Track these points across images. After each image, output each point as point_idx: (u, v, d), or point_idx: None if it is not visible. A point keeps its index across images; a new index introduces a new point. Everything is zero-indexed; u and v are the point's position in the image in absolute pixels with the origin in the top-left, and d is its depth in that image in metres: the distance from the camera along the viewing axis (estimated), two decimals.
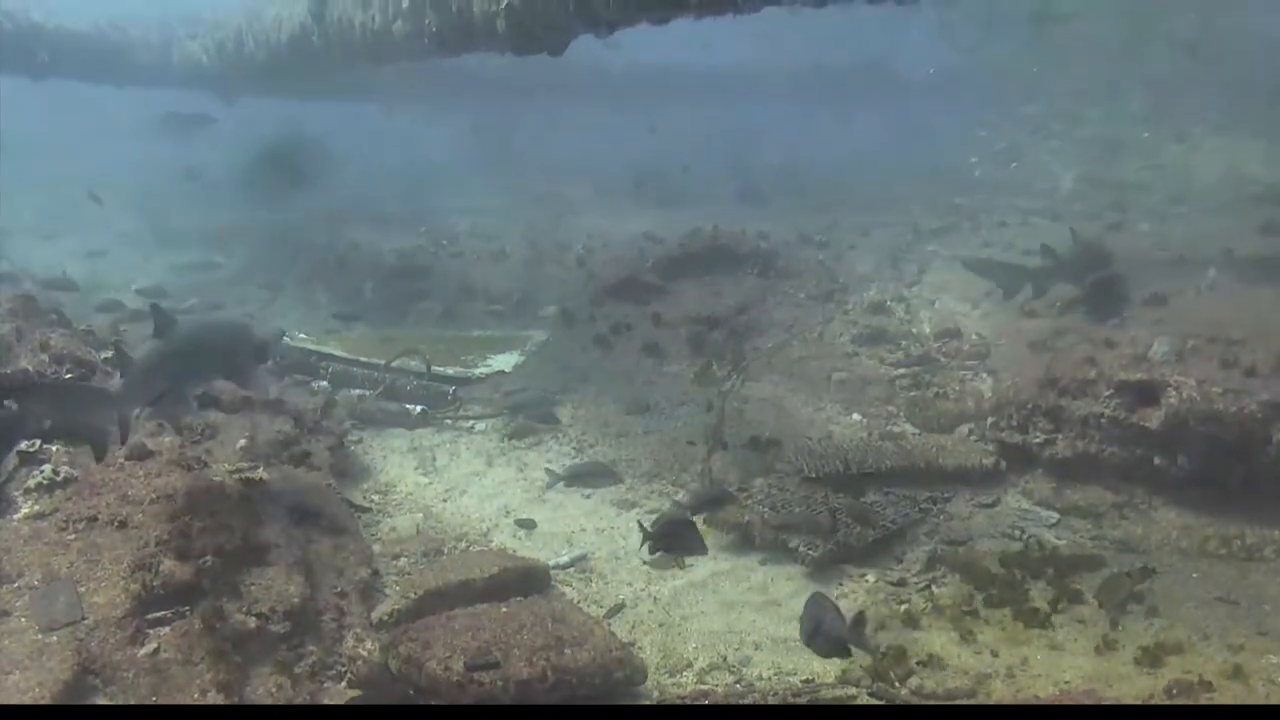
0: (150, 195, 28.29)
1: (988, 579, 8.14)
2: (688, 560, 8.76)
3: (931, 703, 6.68)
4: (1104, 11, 25.64)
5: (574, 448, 11.62)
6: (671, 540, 7.07)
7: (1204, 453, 8.98)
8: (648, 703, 6.80)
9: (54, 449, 7.65)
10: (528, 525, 9.65)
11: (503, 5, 10.06)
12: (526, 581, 7.95)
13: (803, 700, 6.79)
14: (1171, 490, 9.26)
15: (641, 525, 6.99)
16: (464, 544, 9.19)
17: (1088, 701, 6.13)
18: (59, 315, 10.51)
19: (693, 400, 12.60)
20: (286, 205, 24.59)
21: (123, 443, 7.24)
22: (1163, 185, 21.00)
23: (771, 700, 6.77)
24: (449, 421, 12.44)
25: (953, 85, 32.09)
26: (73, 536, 6.78)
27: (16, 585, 6.28)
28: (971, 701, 6.65)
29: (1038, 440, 10.05)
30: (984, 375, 12.74)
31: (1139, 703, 6.34)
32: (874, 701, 6.76)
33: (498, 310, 17.77)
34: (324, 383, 13.56)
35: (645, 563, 8.72)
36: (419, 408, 12.55)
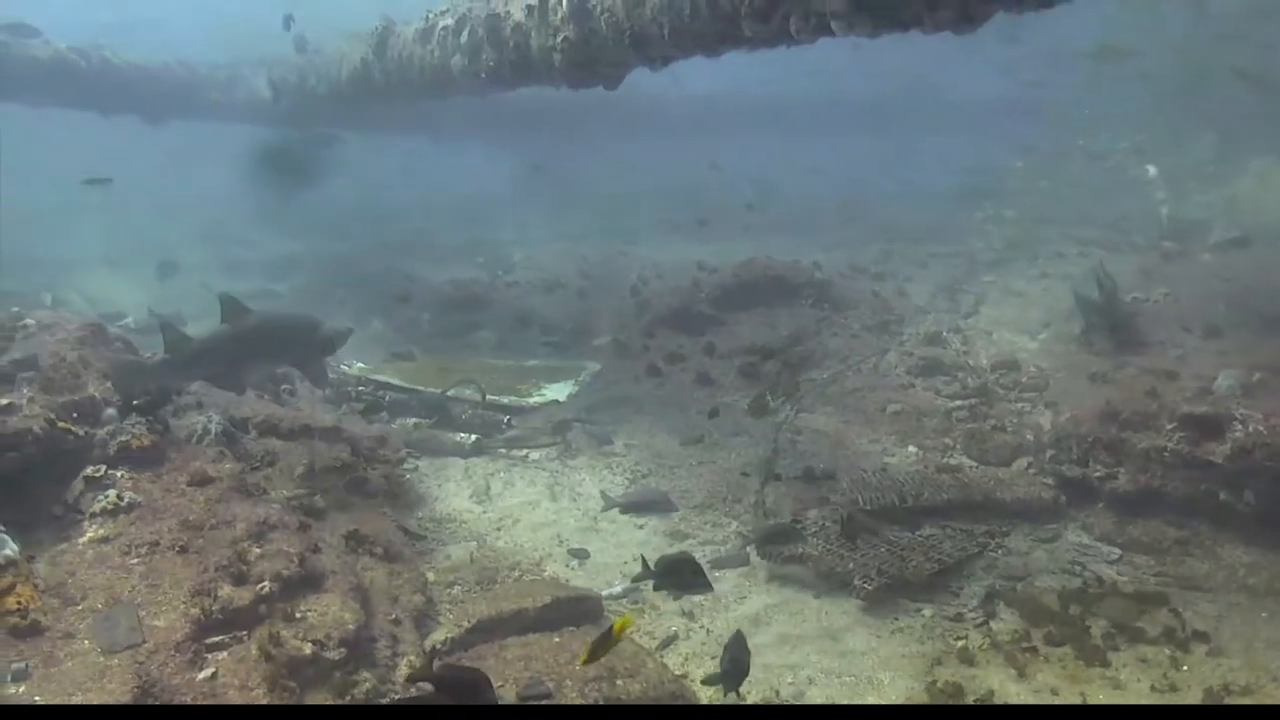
0: (217, 224, 29.01)
1: (1047, 615, 8.00)
2: (744, 596, 8.74)
3: None
4: (1165, 48, 25.40)
5: (627, 478, 11.61)
6: (673, 579, 6.84)
7: (1271, 487, 8.75)
8: None
9: (118, 474, 7.82)
10: (581, 555, 9.65)
11: (559, 40, 10.18)
12: (579, 612, 7.93)
13: None
14: (1238, 526, 9.02)
15: (645, 560, 6.84)
16: (517, 573, 9.21)
17: None
18: (125, 343, 10.74)
19: (746, 431, 12.57)
20: (292, 203, 25.15)
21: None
22: (1228, 218, 20.65)
23: None
24: (503, 450, 12.51)
25: (1014, 119, 31.98)
26: (135, 561, 6.91)
27: (80, 608, 6.41)
28: None
29: (1098, 474, 9.87)
30: (1042, 407, 12.56)
31: None
32: None
33: (552, 340, 17.86)
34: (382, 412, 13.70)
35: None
36: (473, 436, 12.62)
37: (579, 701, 6.36)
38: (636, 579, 7.31)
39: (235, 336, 8.53)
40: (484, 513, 10.77)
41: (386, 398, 13.91)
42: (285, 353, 9.23)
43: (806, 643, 7.98)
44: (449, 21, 12.92)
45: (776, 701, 7.17)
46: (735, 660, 5.77)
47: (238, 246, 27.72)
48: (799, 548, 9.10)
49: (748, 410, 12.83)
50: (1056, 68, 28.00)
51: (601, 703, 6.38)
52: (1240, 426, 8.97)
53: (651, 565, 6.71)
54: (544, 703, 6.33)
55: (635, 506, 10.22)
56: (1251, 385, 9.65)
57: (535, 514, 10.72)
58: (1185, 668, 7.23)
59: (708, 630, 8.25)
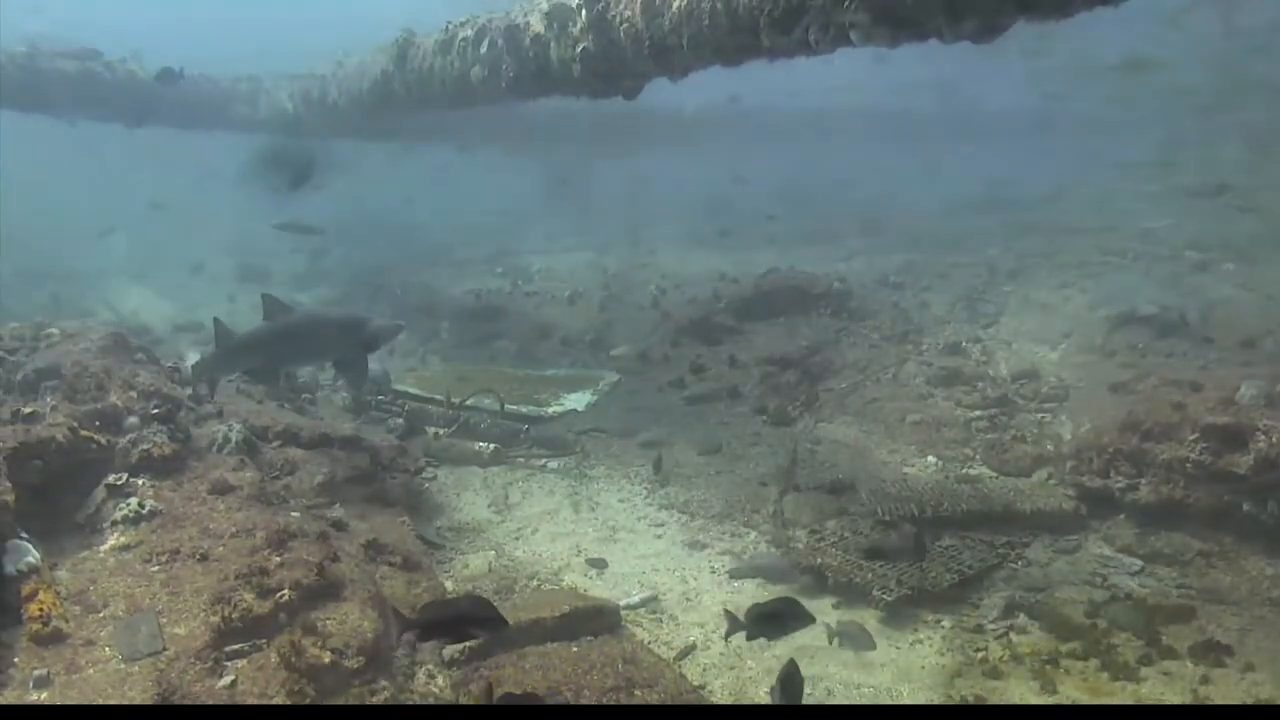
0: (244, 237, 29.22)
1: (1069, 628, 7.93)
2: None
3: None
4: (1195, 61, 25.31)
5: (646, 488, 11.60)
6: (775, 623, 6.31)
7: None
8: None
9: (140, 482, 7.88)
10: (599, 565, 9.65)
11: (579, 50, 10.21)
12: (597, 621, 7.92)
13: None
14: (1262, 538, 8.91)
15: (730, 614, 6.45)
16: (535, 582, 9.23)
17: None
18: (147, 354, 10.83)
19: (765, 441, 12.54)
20: (291, 198, 25.38)
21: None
22: (1255, 229, 20.47)
23: None
24: (521, 459, 12.52)
25: (1042, 131, 31.89)
26: (156, 568, 6.95)
27: (101, 615, 6.45)
28: None
29: (1120, 485, 9.80)
30: (1063, 418, 12.47)
31: None
32: None
33: (572, 350, 17.89)
34: (399, 420, 13.74)
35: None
36: (491, 445, 12.64)
37: None
38: (729, 634, 7.00)
39: (278, 332, 9.09)
40: (502, 522, 10.79)
41: (405, 407, 13.96)
42: (328, 347, 9.61)
43: (825, 654, 7.93)
44: (468, 33, 12.97)
45: None
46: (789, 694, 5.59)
47: (264, 258, 27.89)
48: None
49: (766, 419, 12.82)
50: (1084, 80, 27.93)
51: None
52: (1264, 437, 8.88)
53: (741, 617, 6.25)
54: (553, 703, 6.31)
55: (756, 571, 9.87)
56: (1275, 395, 9.54)
57: (554, 523, 10.73)
58: (1212, 683, 7.14)
59: (726, 641, 8.22)
